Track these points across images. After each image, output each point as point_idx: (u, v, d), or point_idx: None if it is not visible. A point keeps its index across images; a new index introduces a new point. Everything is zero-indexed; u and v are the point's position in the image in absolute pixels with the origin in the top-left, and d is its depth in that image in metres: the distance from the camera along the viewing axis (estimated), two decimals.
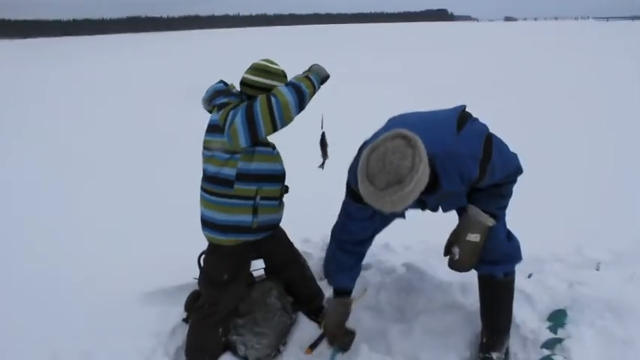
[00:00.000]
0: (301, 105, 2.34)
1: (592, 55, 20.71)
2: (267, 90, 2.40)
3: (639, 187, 5.06)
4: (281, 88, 2.33)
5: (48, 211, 4.96)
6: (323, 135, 2.59)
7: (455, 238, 2.36)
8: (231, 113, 2.28)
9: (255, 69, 2.48)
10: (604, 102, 9.99)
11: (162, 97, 11.99)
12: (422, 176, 1.82)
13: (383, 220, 2.59)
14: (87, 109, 11.14)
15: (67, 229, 4.34)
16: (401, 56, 20.94)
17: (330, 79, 2.55)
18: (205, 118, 2.53)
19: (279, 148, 2.61)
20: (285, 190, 2.66)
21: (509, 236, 2.48)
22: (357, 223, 2.39)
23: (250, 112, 2.25)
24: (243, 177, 2.40)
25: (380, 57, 20.52)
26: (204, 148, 2.50)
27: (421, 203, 2.24)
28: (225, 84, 2.55)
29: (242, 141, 2.27)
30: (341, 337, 2.55)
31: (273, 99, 2.26)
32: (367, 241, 2.51)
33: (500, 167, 2.16)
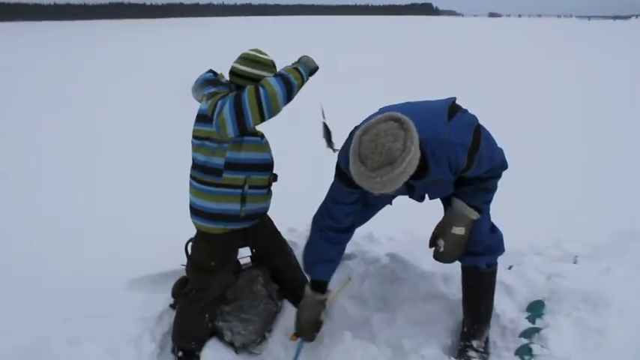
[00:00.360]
0: (289, 96, 2.36)
1: (577, 51, 21.01)
2: (257, 80, 2.41)
3: (616, 183, 5.19)
4: (269, 79, 2.34)
5: (37, 198, 4.92)
6: (325, 125, 2.58)
7: (440, 231, 2.42)
8: (219, 103, 2.30)
9: (245, 59, 2.49)
10: (586, 99, 10.16)
11: (155, 87, 11.85)
12: (413, 158, 1.87)
13: (368, 210, 2.64)
14: (78, 95, 10.97)
15: (55, 216, 4.31)
16: (384, 50, 20.94)
17: (318, 71, 2.56)
18: (195, 108, 2.55)
19: (267, 137, 2.63)
20: (274, 178, 2.68)
21: (493, 229, 2.55)
22: (342, 207, 2.40)
23: (238, 102, 2.26)
24: (232, 166, 2.43)
25: (364, 50, 20.54)
26: (194, 137, 2.51)
27: (409, 189, 2.28)
28: (215, 73, 2.55)
29: (230, 131, 2.29)
30: (310, 332, 2.60)
31: (261, 90, 2.27)
32: (349, 230, 2.53)
33: (487, 159, 2.21)
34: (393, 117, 1.90)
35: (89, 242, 3.69)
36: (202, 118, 2.43)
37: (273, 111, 2.32)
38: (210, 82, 2.47)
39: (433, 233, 2.46)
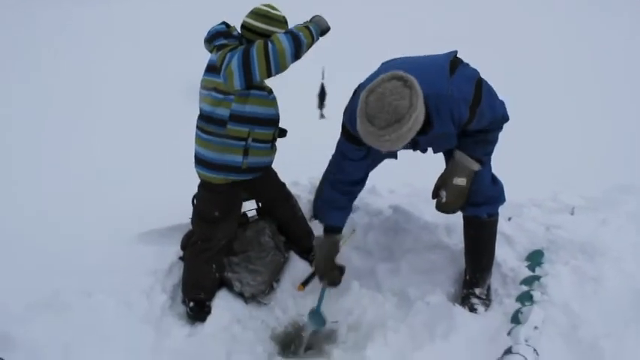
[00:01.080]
0: (297, 54, 2.36)
1: (569, 10, 20.71)
2: (267, 35, 2.41)
3: (612, 137, 5.25)
4: (279, 35, 2.34)
5: (44, 152, 4.87)
6: (322, 86, 2.61)
7: (442, 182, 2.47)
8: (228, 55, 2.31)
9: (257, 14, 2.48)
10: (578, 55, 10.10)
11: (160, 44, 11.54)
12: (419, 115, 1.93)
13: (375, 160, 2.69)
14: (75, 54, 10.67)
15: (63, 171, 4.28)
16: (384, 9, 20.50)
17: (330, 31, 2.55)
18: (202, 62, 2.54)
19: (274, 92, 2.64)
20: (282, 134, 2.70)
21: (494, 180, 2.60)
22: (352, 163, 2.46)
23: (247, 55, 2.27)
24: (236, 118, 2.44)
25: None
26: (202, 87, 2.53)
27: (414, 143, 2.31)
28: (227, 25, 2.54)
29: (237, 83, 2.30)
30: (330, 273, 2.63)
31: (270, 45, 2.28)
32: (361, 181, 2.59)
33: (489, 112, 2.24)
34: (396, 76, 1.93)
35: (96, 198, 3.68)
36: (211, 68, 2.45)
37: (281, 67, 2.33)
38: (221, 34, 2.47)
39: (435, 185, 2.51)
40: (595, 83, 7.77)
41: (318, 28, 2.45)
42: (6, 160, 4.47)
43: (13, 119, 5.58)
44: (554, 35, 12.70)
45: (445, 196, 2.45)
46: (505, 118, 2.36)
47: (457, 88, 2.13)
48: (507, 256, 2.87)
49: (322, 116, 2.62)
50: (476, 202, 2.55)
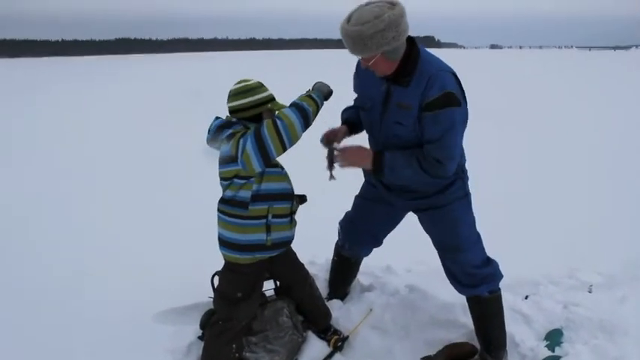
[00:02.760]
0: (306, 123, 2.44)
1: (581, 82, 21.28)
2: (258, 106, 2.50)
3: (627, 212, 5.26)
4: (285, 110, 2.43)
5: (61, 226, 5.01)
6: (331, 150, 2.64)
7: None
8: (240, 141, 2.38)
9: (236, 94, 2.54)
10: (594, 128, 10.28)
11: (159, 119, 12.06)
12: (385, 30, 2.12)
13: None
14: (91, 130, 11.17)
15: (82, 246, 4.40)
16: None
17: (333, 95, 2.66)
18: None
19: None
20: (302, 200, 2.77)
21: (489, 261, 2.67)
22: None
23: (259, 137, 2.35)
24: (256, 198, 2.52)
25: None
26: (221, 179, 2.60)
27: (387, 93, 2.41)
28: (222, 118, 2.62)
29: (256, 166, 2.39)
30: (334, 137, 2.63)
31: (278, 121, 2.36)
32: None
33: (444, 128, 2.27)
34: (389, 0, 2.20)
35: (114, 274, 3.76)
36: (226, 159, 2.50)
37: (293, 139, 2.40)
38: (223, 126, 2.52)
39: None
40: (606, 157, 7.87)
41: (320, 94, 2.55)
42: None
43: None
44: (560, 109, 13.04)
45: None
46: (450, 156, 2.36)
47: (447, 77, 2.28)
48: (525, 335, 2.86)
49: (332, 177, 2.63)
50: (473, 283, 2.62)
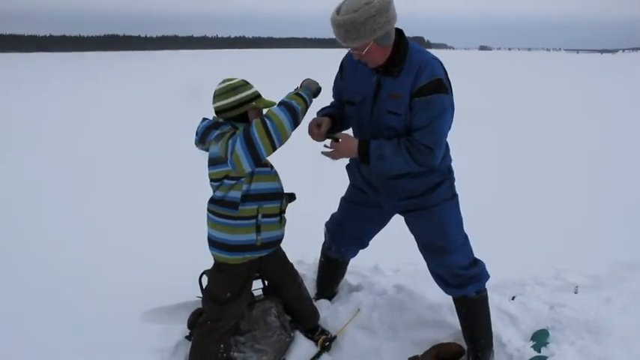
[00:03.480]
0: (295, 122, 2.42)
1: (570, 83, 21.49)
2: (242, 105, 2.48)
3: (613, 213, 5.32)
4: (273, 108, 2.41)
5: (48, 223, 4.99)
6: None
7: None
8: (229, 142, 2.35)
9: (219, 95, 2.52)
10: (582, 131, 10.39)
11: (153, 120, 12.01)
12: (376, 15, 2.17)
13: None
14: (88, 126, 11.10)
15: (68, 245, 4.37)
16: None
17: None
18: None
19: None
20: (291, 198, 2.75)
21: (475, 262, 2.69)
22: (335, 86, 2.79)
23: (248, 137, 2.32)
24: (246, 198, 2.51)
25: None
26: (211, 180, 2.58)
27: (378, 85, 2.43)
28: (209, 119, 2.58)
29: (246, 166, 2.37)
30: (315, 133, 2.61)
31: (267, 121, 2.34)
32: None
33: (431, 115, 2.32)
34: None
35: (102, 273, 3.74)
36: (215, 161, 2.50)
37: (283, 139, 2.38)
38: (211, 127, 2.49)
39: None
40: (595, 159, 7.96)
41: (309, 92, 2.53)
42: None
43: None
44: (551, 110, 13.16)
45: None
46: (436, 143, 2.37)
47: (436, 65, 2.34)
48: (512, 336, 2.88)
49: (336, 140, 2.57)
50: (460, 284, 2.64)
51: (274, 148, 2.37)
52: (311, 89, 2.55)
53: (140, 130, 10.51)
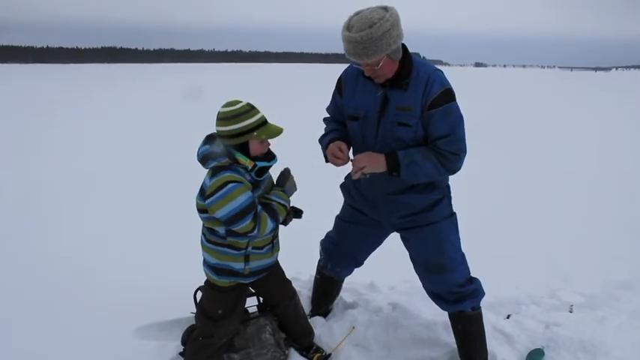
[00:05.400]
0: (276, 224, 2.49)
1: (564, 102, 21.66)
2: (244, 134, 2.38)
3: (607, 233, 5.33)
4: (263, 217, 2.40)
5: (51, 235, 4.98)
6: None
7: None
8: (220, 194, 2.32)
9: (222, 119, 2.42)
10: (576, 150, 10.45)
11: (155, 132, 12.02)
12: (391, 30, 2.22)
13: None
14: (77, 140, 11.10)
15: (64, 258, 4.36)
16: None
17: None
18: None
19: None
20: (297, 214, 2.72)
21: (472, 279, 2.70)
22: (336, 107, 2.77)
23: (232, 222, 2.34)
24: (234, 233, 2.46)
25: None
26: (198, 210, 2.53)
27: (385, 99, 2.44)
28: (210, 143, 2.50)
29: (219, 219, 2.38)
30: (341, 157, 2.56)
31: (256, 230, 2.37)
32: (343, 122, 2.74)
33: (450, 123, 2.39)
34: (380, 6, 2.29)
35: (92, 289, 3.71)
36: (204, 192, 2.45)
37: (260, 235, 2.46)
38: (209, 156, 2.43)
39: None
40: (591, 178, 7.99)
41: (288, 201, 2.57)
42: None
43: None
44: (545, 128, 13.25)
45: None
46: (461, 148, 2.44)
47: (443, 76, 2.42)
48: (507, 354, 2.87)
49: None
50: (457, 299, 2.64)
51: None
52: (290, 192, 2.61)
53: (147, 145, 10.52)
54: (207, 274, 2.67)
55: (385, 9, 2.26)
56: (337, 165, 2.58)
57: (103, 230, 5.25)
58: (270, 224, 2.42)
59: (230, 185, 2.33)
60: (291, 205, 2.63)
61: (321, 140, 2.76)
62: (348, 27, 2.26)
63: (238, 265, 2.56)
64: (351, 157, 2.57)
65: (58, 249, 4.61)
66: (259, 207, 2.42)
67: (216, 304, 2.67)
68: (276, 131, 2.43)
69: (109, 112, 15.94)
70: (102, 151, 9.78)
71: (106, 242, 4.84)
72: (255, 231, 2.38)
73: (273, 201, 2.49)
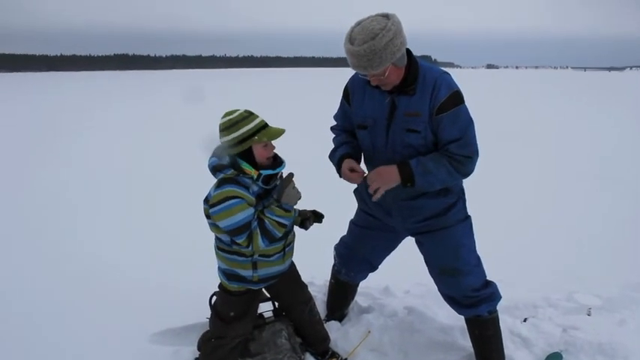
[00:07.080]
0: (272, 241, 2.45)
1: (579, 103, 21.49)
2: (245, 140, 2.39)
3: (625, 235, 5.27)
4: (260, 241, 2.38)
5: (56, 244, 5.03)
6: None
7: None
8: (223, 206, 2.33)
9: (222, 130, 2.43)
10: (593, 151, 10.35)
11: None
12: (395, 39, 2.19)
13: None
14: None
15: (79, 261, 4.40)
16: None
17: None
18: None
19: None
20: (318, 219, 2.76)
21: (488, 283, 2.67)
22: (342, 113, 2.78)
23: (232, 235, 2.37)
24: (237, 242, 2.44)
25: None
26: (206, 216, 2.53)
27: (392, 105, 2.43)
28: (216, 155, 2.50)
29: (221, 229, 2.39)
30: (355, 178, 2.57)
31: (251, 245, 2.37)
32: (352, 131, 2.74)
33: (460, 125, 2.36)
34: (380, 13, 2.26)
35: (108, 295, 3.73)
36: (208, 200, 2.46)
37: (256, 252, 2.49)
38: (216, 168, 2.44)
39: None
40: (608, 179, 7.91)
41: (284, 215, 2.47)
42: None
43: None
44: (560, 130, 13.14)
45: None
46: (473, 150, 2.41)
47: (450, 78, 2.40)
48: (525, 358, 2.85)
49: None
50: (472, 303, 2.62)
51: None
52: (290, 204, 2.50)
53: (170, 151, 10.61)
54: (220, 278, 2.69)
55: (386, 17, 2.23)
56: (355, 183, 2.63)
57: (118, 236, 5.29)
58: (261, 243, 2.38)
59: (230, 202, 2.33)
60: (311, 209, 2.62)
61: (331, 156, 2.75)
62: (351, 39, 2.23)
63: (246, 272, 2.57)
64: (365, 170, 2.58)
65: (90, 248, 4.79)
66: (255, 224, 2.38)
67: (229, 307, 2.68)
68: (277, 132, 2.44)
69: (132, 119, 16.14)
70: (136, 154, 10.14)
71: (121, 248, 4.87)
72: (250, 248, 2.39)
73: (267, 218, 2.41)
